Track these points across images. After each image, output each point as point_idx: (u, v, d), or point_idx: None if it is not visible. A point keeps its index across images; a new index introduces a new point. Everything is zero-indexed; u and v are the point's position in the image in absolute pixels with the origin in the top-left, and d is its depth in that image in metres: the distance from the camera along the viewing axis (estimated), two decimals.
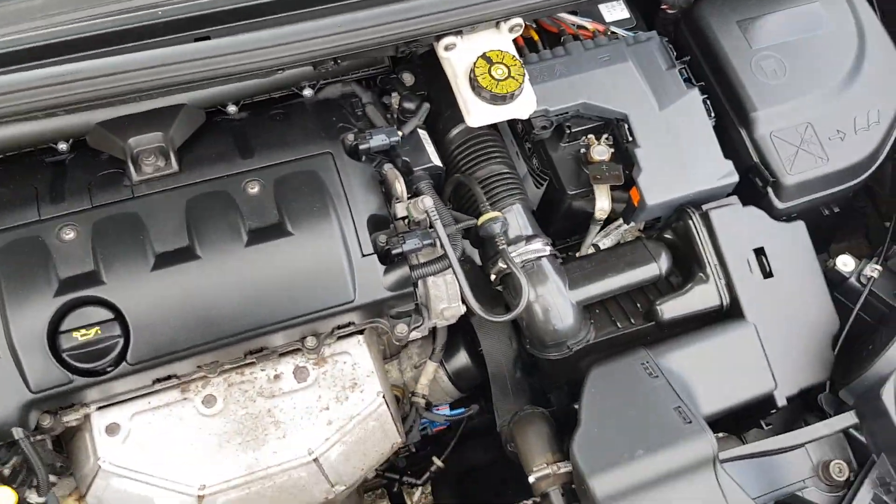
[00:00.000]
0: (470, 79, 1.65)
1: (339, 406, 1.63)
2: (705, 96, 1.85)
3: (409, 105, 1.81)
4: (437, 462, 2.15)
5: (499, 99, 1.65)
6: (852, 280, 1.80)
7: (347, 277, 1.60)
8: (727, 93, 1.88)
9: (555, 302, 1.71)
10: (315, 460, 1.60)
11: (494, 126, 1.92)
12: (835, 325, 1.78)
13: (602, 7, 1.98)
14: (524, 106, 1.68)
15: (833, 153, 1.83)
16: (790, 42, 1.90)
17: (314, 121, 1.74)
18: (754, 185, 1.86)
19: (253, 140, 1.69)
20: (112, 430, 1.57)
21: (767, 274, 1.76)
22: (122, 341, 1.51)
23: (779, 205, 1.84)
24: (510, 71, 1.65)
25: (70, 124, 1.65)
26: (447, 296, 1.70)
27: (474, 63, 1.66)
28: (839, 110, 1.86)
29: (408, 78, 1.88)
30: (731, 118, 1.88)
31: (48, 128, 1.64)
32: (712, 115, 1.84)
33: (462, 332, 1.97)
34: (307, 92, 1.79)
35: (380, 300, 1.63)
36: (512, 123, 1.97)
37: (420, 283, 1.68)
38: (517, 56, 1.68)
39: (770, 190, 1.83)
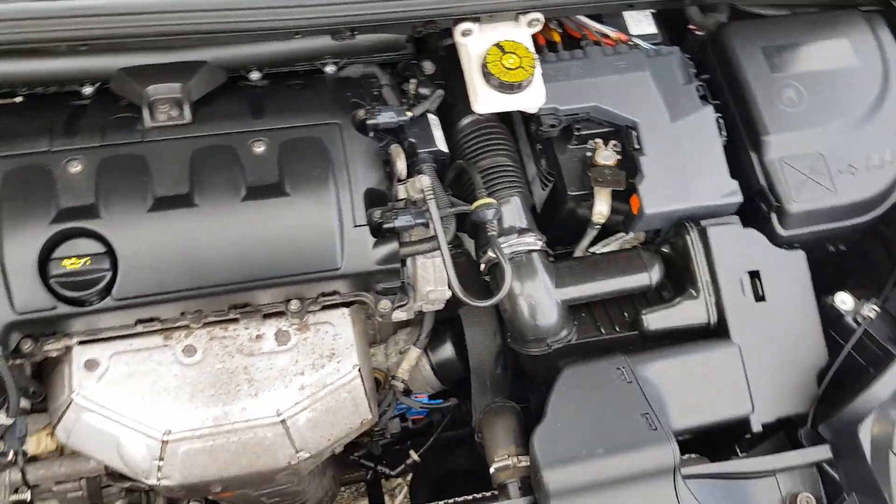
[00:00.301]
0: (481, 65, 1.67)
1: (314, 373, 1.64)
2: (719, 115, 1.84)
3: (425, 91, 1.83)
4: (414, 456, 2.15)
5: (507, 87, 1.66)
6: (848, 318, 1.75)
7: (336, 245, 1.61)
8: (742, 114, 1.87)
9: (539, 297, 1.70)
10: (282, 422, 1.60)
11: (508, 123, 1.94)
12: (823, 358, 1.74)
13: (630, 20, 1.99)
14: (532, 98, 1.69)
15: (842, 187, 1.81)
16: (812, 73, 1.89)
17: (330, 94, 1.77)
18: (760, 210, 1.83)
19: (267, 104, 1.72)
20: (91, 365, 1.58)
21: (759, 298, 1.74)
22: (109, 275, 1.54)
23: (781, 231, 1.81)
24: (522, 62, 1.66)
25: (96, 66, 1.69)
26: (434, 278, 1.70)
27: (487, 50, 1.67)
28: (853, 145, 1.84)
29: (428, 66, 1.90)
30: (743, 140, 1.86)
31: (74, 67, 1.69)
32: (724, 133, 1.83)
33: (451, 326, 1.98)
34: (329, 68, 1.83)
35: (366, 272, 1.64)
36: (526, 125, 1.98)
37: (409, 262, 1.70)
38: (532, 49, 1.69)
39: (773, 215, 1.81)
